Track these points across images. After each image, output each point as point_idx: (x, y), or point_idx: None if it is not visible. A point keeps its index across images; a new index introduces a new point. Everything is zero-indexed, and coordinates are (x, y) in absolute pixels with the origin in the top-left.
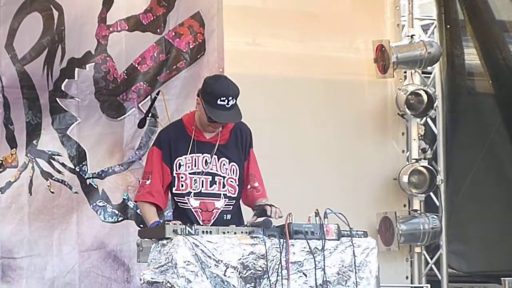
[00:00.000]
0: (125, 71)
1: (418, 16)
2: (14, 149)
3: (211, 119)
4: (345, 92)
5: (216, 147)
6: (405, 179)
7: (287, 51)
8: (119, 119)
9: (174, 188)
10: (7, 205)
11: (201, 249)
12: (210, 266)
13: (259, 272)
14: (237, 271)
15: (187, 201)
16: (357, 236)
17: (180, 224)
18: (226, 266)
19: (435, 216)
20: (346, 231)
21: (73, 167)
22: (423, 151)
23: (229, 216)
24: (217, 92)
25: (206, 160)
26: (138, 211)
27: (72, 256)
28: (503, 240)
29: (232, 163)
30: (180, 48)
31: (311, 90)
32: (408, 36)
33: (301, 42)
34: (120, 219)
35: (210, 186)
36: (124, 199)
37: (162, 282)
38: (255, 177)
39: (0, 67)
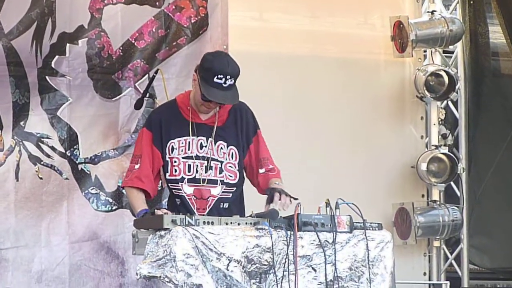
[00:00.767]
0: (121, 48)
1: None
2: (0, 131)
3: (205, 97)
4: (360, 72)
5: (214, 130)
6: (423, 167)
7: (297, 27)
8: (114, 99)
9: (167, 174)
10: None
11: (202, 241)
12: (212, 260)
13: (265, 267)
14: (240, 265)
15: (180, 187)
16: (371, 228)
17: (173, 214)
18: (228, 259)
19: (456, 208)
20: (359, 223)
21: (63, 151)
22: (444, 137)
23: (226, 205)
24: (215, 68)
25: (201, 143)
26: None
27: (62, 247)
28: None
29: (231, 147)
30: (181, 23)
31: (322, 70)
32: (428, 12)
33: (312, 17)
34: (114, 207)
35: (206, 172)
36: (118, 186)
37: (160, 276)
38: (268, 160)
39: None
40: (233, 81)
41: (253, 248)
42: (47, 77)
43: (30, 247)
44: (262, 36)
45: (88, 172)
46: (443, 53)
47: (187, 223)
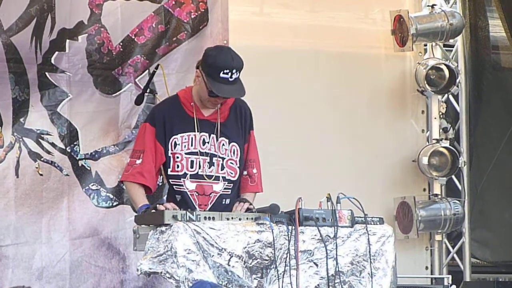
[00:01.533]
0: (121, 43)
1: None
2: (0, 127)
3: (213, 93)
4: (360, 66)
5: (217, 126)
6: (425, 161)
7: (297, 21)
8: (114, 95)
9: (169, 169)
10: None
11: (203, 237)
12: (213, 255)
13: (266, 262)
14: (242, 260)
15: (182, 183)
16: (372, 223)
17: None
18: (230, 255)
19: (457, 201)
20: (360, 217)
21: (63, 147)
22: (445, 130)
23: (228, 201)
24: (220, 64)
25: (204, 139)
26: None
27: (63, 244)
28: None
29: (233, 143)
30: (181, 18)
31: (323, 64)
32: (428, 6)
33: (313, 12)
34: (115, 203)
35: (208, 168)
36: (119, 182)
37: (161, 272)
38: (254, 163)
39: None
40: (238, 74)
41: (254, 243)
42: (47, 73)
43: (30, 243)
44: (262, 31)
45: (89, 168)
46: (444, 47)
47: (188, 218)
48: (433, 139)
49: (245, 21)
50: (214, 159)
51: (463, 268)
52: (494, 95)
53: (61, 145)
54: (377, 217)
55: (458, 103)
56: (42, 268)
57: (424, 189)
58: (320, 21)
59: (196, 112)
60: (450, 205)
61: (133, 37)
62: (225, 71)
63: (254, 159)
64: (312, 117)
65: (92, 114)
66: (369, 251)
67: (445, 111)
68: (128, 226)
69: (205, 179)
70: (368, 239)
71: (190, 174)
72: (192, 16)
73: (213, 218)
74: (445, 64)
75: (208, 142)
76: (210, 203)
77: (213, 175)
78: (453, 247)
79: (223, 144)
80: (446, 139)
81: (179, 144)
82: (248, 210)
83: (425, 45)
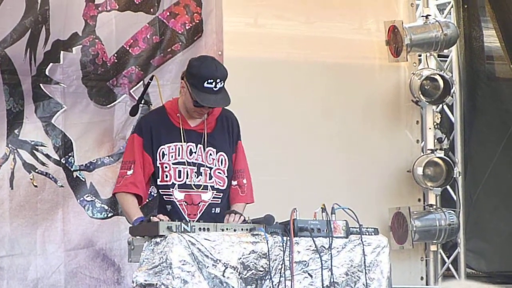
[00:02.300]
0: (115, 54)
1: None
2: None
3: (198, 103)
4: (355, 77)
5: (204, 137)
6: (419, 171)
7: (292, 33)
8: (108, 106)
9: (158, 180)
10: None
11: (197, 248)
12: (208, 266)
13: (261, 273)
14: (237, 271)
15: (171, 193)
16: (367, 233)
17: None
18: (225, 266)
19: (452, 212)
20: (355, 228)
21: (58, 158)
22: (439, 141)
23: (217, 210)
24: (204, 73)
25: (191, 149)
26: None
27: (57, 255)
28: None
29: (220, 153)
30: (176, 30)
31: (317, 75)
32: (422, 16)
33: (307, 23)
34: (109, 215)
35: (196, 178)
36: (112, 194)
37: (156, 284)
38: (244, 173)
39: None
40: (222, 84)
41: (249, 254)
42: (41, 84)
43: (25, 255)
44: (257, 42)
45: (83, 180)
46: (438, 57)
47: (182, 229)
48: (428, 150)
49: (239, 32)
50: (202, 168)
51: (458, 278)
52: (489, 105)
53: (56, 157)
54: (372, 228)
55: (452, 114)
56: (37, 279)
57: (419, 200)
58: (314, 32)
59: (182, 122)
60: (445, 216)
61: (128, 48)
62: (209, 80)
63: (243, 169)
64: (307, 128)
65: (86, 125)
66: (364, 262)
67: (439, 122)
68: (123, 237)
69: (193, 189)
70: (363, 249)
71: (178, 184)
72: (187, 27)
73: (208, 229)
74: (440, 75)
75: (195, 152)
76: (199, 213)
77: (201, 185)
78: (448, 258)
79: (210, 154)
80: (441, 149)
81: (166, 154)
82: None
83: (420, 55)
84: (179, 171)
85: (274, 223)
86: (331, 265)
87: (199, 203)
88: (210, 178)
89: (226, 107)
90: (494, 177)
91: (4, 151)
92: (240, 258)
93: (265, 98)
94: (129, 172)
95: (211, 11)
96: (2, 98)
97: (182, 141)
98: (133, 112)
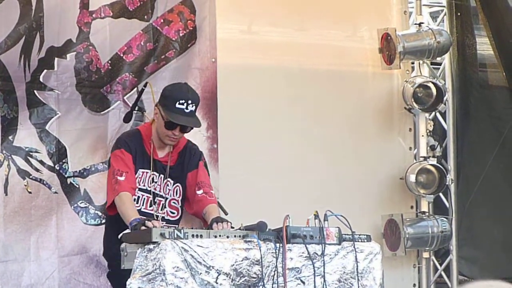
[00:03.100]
0: (109, 61)
1: (426, 3)
2: None
3: (169, 124)
4: (348, 84)
5: (167, 169)
6: (412, 178)
7: (285, 40)
8: (102, 113)
9: None
10: None
11: (190, 254)
12: (201, 273)
13: (254, 279)
14: (229, 278)
15: None
16: (360, 240)
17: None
18: (218, 272)
19: (445, 219)
20: (348, 234)
21: (52, 165)
22: (432, 148)
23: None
24: (176, 95)
25: (153, 178)
26: None
27: (51, 261)
28: None
29: (177, 184)
30: (169, 36)
31: (311, 82)
32: (415, 24)
33: (301, 30)
34: (103, 221)
35: (150, 206)
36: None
37: None
38: (205, 183)
39: None
40: (194, 107)
41: (242, 260)
42: (35, 91)
43: (19, 261)
44: (250, 49)
45: (77, 186)
46: (431, 64)
47: (175, 236)
48: (421, 157)
49: (233, 39)
50: (157, 198)
51: (450, 286)
52: (482, 113)
53: (50, 163)
54: (364, 235)
55: (445, 121)
56: (31, 285)
57: (412, 207)
58: (308, 39)
59: (153, 151)
60: (437, 223)
61: (122, 55)
62: (180, 101)
63: (204, 181)
64: (300, 135)
65: (80, 132)
66: (357, 269)
67: (432, 129)
68: None
69: (146, 216)
70: (356, 256)
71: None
72: (181, 34)
73: (201, 236)
74: (433, 82)
75: (155, 182)
76: None
77: (152, 214)
78: (440, 265)
79: (168, 185)
80: (433, 156)
81: (136, 178)
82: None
83: (413, 63)
84: (138, 197)
85: (267, 229)
86: (324, 272)
87: None
88: (163, 208)
89: (192, 142)
90: (487, 185)
91: None
92: (233, 264)
93: (258, 105)
94: (121, 178)
95: (204, 18)
96: None
97: (150, 169)
98: (126, 118)
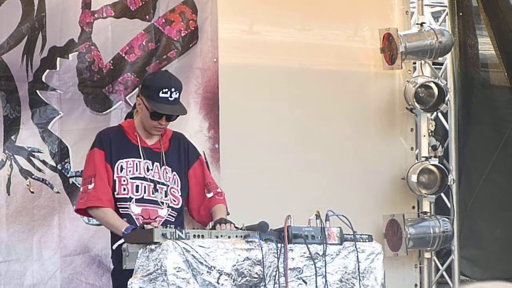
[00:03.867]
0: (111, 61)
1: (428, 3)
2: None
3: (155, 114)
4: (350, 84)
5: (161, 155)
6: (414, 178)
7: (287, 39)
8: (104, 113)
9: (115, 193)
10: None
11: (192, 255)
12: (202, 273)
13: (255, 280)
14: (231, 278)
15: (128, 206)
16: (361, 240)
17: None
18: (219, 273)
19: (447, 219)
20: (349, 235)
21: (54, 164)
22: (434, 148)
23: (172, 227)
24: (158, 84)
25: (148, 166)
26: None
27: (54, 261)
28: None
29: (174, 173)
30: (171, 36)
31: (312, 82)
32: (417, 24)
33: (302, 30)
34: None
35: (153, 194)
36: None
37: None
38: (213, 184)
39: None
40: (178, 94)
41: (243, 261)
42: (37, 91)
43: (21, 261)
44: (252, 49)
45: (79, 186)
46: (433, 64)
47: (177, 236)
48: (422, 157)
49: (235, 39)
50: (158, 185)
51: (452, 286)
52: (483, 113)
53: (52, 163)
54: (366, 235)
55: (447, 121)
56: (33, 285)
57: (413, 207)
58: (309, 39)
59: (140, 140)
60: (439, 223)
61: (124, 55)
62: (164, 90)
63: (211, 182)
64: (301, 134)
65: (83, 132)
66: (358, 269)
67: (434, 129)
68: None
69: (151, 204)
70: (357, 256)
71: (136, 198)
72: (182, 34)
73: (202, 236)
74: (434, 82)
75: (152, 169)
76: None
77: (157, 201)
78: (442, 265)
79: (167, 172)
80: (435, 156)
81: (124, 168)
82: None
83: (414, 63)
84: (137, 185)
85: (269, 230)
86: (325, 272)
87: (156, 218)
88: (166, 195)
89: (176, 130)
90: (488, 185)
91: (0, 157)
92: (235, 265)
93: (259, 105)
94: (90, 186)
95: (206, 18)
96: None
97: (141, 158)
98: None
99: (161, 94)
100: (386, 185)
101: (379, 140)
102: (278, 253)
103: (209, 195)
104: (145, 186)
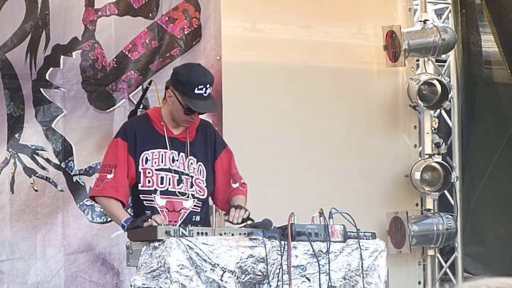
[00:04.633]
0: (115, 59)
1: (431, 0)
2: None
3: (189, 111)
4: (353, 82)
5: (186, 145)
6: (417, 176)
7: (290, 37)
8: (108, 111)
9: (139, 185)
10: None
11: (195, 252)
12: (206, 271)
13: (259, 277)
14: (235, 275)
15: (153, 199)
16: (364, 237)
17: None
18: (223, 270)
19: (450, 216)
20: (353, 232)
21: (58, 163)
22: (437, 145)
23: (198, 218)
24: (194, 80)
25: (173, 157)
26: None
27: (57, 259)
28: None
29: (200, 163)
30: (174, 34)
31: (316, 80)
32: (420, 21)
33: (305, 28)
34: (109, 219)
35: (178, 185)
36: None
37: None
38: (238, 176)
39: None
40: (211, 89)
41: (247, 258)
42: (41, 89)
43: (25, 259)
44: (255, 47)
45: (83, 184)
46: (436, 62)
47: (180, 234)
48: (426, 154)
49: (238, 37)
50: (183, 176)
51: (456, 283)
52: (487, 110)
53: (56, 161)
54: (369, 232)
55: (450, 118)
56: (37, 283)
57: (417, 204)
58: (313, 37)
59: (166, 130)
60: (442, 220)
61: (127, 53)
62: (199, 87)
63: (236, 173)
64: (305, 132)
65: (86, 130)
66: (362, 266)
67: (437, 126)
68: (122, 241)
69: (175, 196)
70: (361, 254)
71: (160, 191)
72: (185, 32)
73: (206, 234)
74: (438, 79)
75: (177, 160)
76: (180, 220)
77: (182, 192)
78: (445, 262)
79: (191, 163)
80: (438, 154)
81: (150, 160)
82: (246, 219)
83: (417, 60)
84: (162, 177)
85: (272, 227)
86: (329, 269)
87: (181, 210)
88: (191, 186)
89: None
90: (492, 182)
91: (4, 155)
92: (238, 262)
93: (263, 103)
94: (110, 176)
95: (209, 16)
96: (3, 103)
97: (168, 148)
98: (131, 116)
99: (196, 91)
100: (390, 183)
101: (382, 138)
102: (282, 251)
103: (234, 186)
104: (170, 178)
